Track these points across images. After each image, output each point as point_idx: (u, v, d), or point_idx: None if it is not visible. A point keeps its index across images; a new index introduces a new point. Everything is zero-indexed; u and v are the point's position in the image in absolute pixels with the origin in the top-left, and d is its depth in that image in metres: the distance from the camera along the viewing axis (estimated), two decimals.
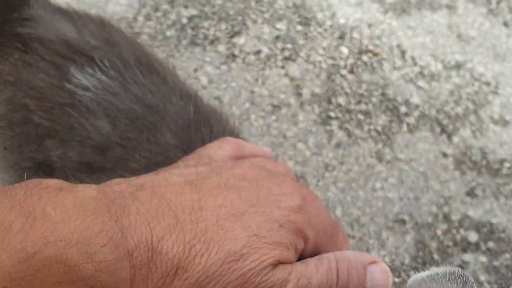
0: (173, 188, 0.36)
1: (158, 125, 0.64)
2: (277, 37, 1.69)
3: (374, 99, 1.59)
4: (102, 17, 0.78)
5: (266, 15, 1.74)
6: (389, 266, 1.31)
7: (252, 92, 1.56)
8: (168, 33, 1.65)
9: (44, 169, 0.70)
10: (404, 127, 1.54)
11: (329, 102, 1.57)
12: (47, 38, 0.70)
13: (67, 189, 0.32)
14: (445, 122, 1.56)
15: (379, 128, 1.53)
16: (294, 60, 1.65)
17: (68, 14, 0.74)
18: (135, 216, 0.33)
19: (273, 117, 1.52)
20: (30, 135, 0.69)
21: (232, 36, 1.67)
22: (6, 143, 0.72)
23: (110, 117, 0.63)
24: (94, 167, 0.65)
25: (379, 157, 1.47)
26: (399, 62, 1.69)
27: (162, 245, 0.33)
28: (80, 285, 0.29)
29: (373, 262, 0.43)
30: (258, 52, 1.64)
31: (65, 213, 0.29)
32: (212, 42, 1.65)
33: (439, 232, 1.34)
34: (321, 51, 1.68)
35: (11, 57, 0.70)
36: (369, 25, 1.77)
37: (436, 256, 1.29)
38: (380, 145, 1.49)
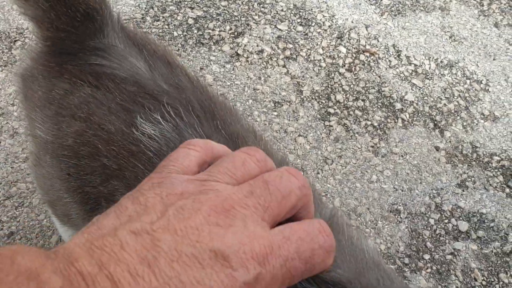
0: (126, 270, 0.35)
1: None
2: (279, 37, 1.72)
3: (371, 96, 1.62)
4: (167, 54, 0.76)
5: (268, 16, 1.77)
6: (385, 253, 1.33)
7: (255, 89, 1.59)
8: (175, 33, 1.67)
9: (107, 201, 0.68)
10: (399, 123, 1.57)
11: (328, 99, 1.60)
12: (120, 76, 0.68)
13: (34, 277, 0.32)
14: (438, 118, 1.59)
15: (375, 124, 1.56)
16: (295, 59, 1.68)
17: (139, 47, 0.73)
18: None
19: (275, 113, 1.55)
20: (96, 170, 0.67)
21: (236, 36, 1.70)
22: (70, 169, 0.71)
23: None
24: None
25: (375, 151, 1.50)
26: (394, 61, 1.72)
27: None
28: None
29: None
30: (260, 52, 1.67)
31: None
32: (217, 42, 1.67)
33: (431, 221, 1.37)
34: (320, 51, 1.71)
35: (82, 90, 0.68)
36: (366, 26, 1.80)
37: (429, 244, 1.32)
38: (376, 140, 1.52)
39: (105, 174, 0.66)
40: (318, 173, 1.45)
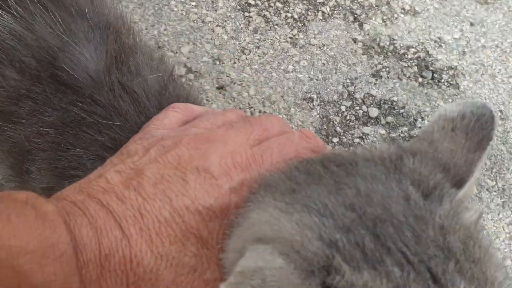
0: (114, 196, 0.36)
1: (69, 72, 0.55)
2: None
3: None
4: None
5: None
6: None
7: None
8: None
9: None
10: (319, 16, 1.52)
11: None
12: None
13: (31, 202, 0.33)
14: (358, 11, 1.55)
15: (295, 16, 1.50)
16: None
17: None
18: (86, 229, 0.34)
19: (193, 3, 1.47)
20: None
21: None
22: None
23: (17, 67, 0.55)
24: (13, 118, 0.57)
25: (294, 42, 1.45)
26: None
27: (110, 262, 0.34)
28: None
29: None
30: None
31: (26, 222, 0.31)
32: None
33: (343, 108, 1.35)
34: None
35: None
36: None
37: (338, 129, 1.32)
38: (295, 31, 1.47)
39: None
40: (235, 63, 1.40)
